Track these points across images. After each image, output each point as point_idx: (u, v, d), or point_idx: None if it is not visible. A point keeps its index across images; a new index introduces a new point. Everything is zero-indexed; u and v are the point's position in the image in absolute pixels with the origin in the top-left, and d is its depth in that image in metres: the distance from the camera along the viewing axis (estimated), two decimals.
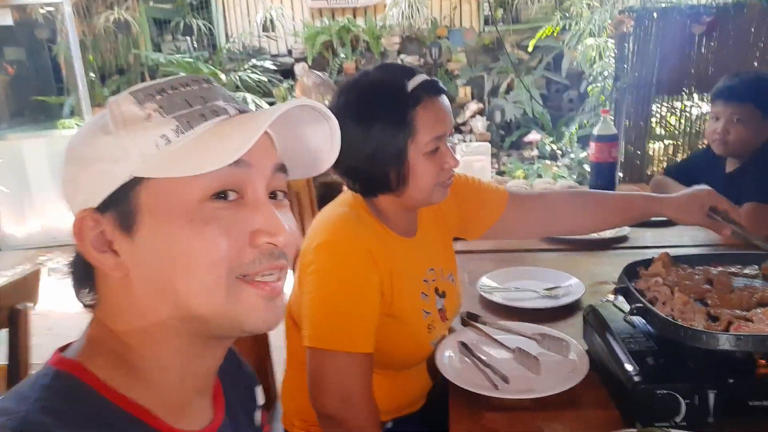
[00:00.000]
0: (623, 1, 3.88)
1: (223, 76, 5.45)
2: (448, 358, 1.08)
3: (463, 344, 1.11)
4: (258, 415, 0.72)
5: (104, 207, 0.54)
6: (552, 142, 5.47)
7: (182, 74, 0.60)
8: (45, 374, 0.53)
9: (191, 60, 5.44)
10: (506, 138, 5.84)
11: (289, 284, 0.71)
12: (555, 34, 4.80)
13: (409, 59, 6.01)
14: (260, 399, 0.74)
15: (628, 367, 0.89)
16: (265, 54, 6.23)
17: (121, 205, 0.53)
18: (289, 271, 0.62)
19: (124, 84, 5.66)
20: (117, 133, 0.53)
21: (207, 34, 6.25)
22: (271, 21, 6.11)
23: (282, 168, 0.59)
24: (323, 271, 1.01)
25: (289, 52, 6.38)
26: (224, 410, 0.64)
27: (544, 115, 5.71)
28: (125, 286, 0.55)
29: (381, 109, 1.03)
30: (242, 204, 0.55)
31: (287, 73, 6.16)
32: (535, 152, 5.39)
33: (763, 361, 0.87)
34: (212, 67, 5.49)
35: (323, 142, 0.62)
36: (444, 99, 1.06)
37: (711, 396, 0.84)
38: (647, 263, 1.11)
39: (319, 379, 0.99)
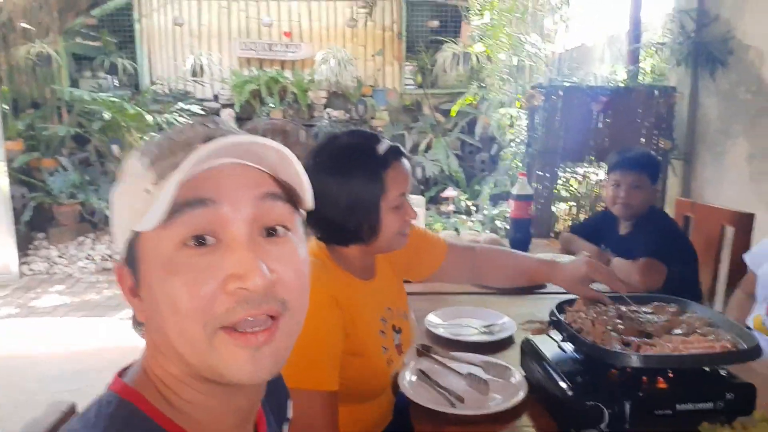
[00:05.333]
0: (532, 77, 4.38)
1: (149, 118, 5.41)
2: (409, 382, 1.23)
3: (421, 371, 1.27)
4: (286, 428, 0.75)
5: (125, 259, 0.57)
6: (467, 198, 5.88)
7: (190, 121, 0.59)
8: (108, 401, 0.55)
9: (116, 99, 5.35)
10: (425, 193, 6.19)
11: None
12: (474, 103, 5.26)
13: (336, 113, 6.28)
14: (290, 412, 0.77)
15: (563, 384, 1.09)
16: (192, 97, 6.27)
17: (131, 257, 0.56)
18: None
19: (39, 118, 5.46)
20: (121, 188, 0.56)
21: (131, 74, 6.20)
22: (201, 66, 6.19)
23: (274, 196, 0.55)
24: None
25: (216, 97, 6.46)
26: (266, 429, 0.66)
27: (459, 173, 6.14)
28: (149, 331, 0.58)
29: (357, 169, 1.15)
30: (218, 248, 0.52)
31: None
32: (452, 207, 5.75)
33: (661, 378, 1.10)
34: (137, 108, 5.44)
35: (293, 178, 0.57)
36: (406, 161, 1.21)
37: (627, 406, 1.05)
38: (571, 302, 1.34)
39: None
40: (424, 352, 1.37)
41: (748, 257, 1.88)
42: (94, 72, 6.17)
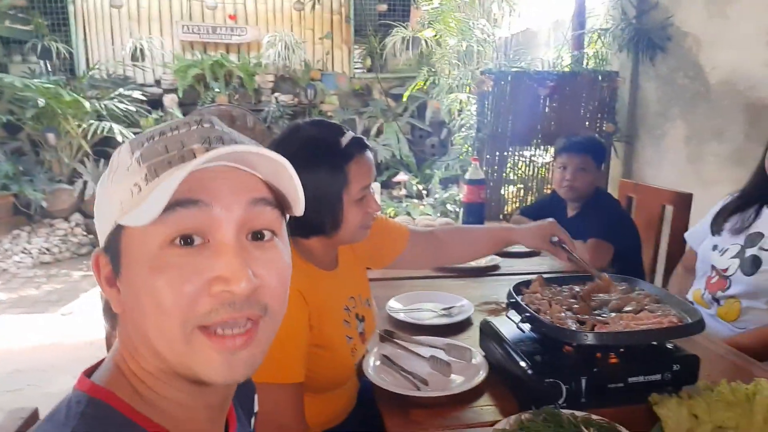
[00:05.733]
0: (481, 63, 4.43)
1: (87, 104, 5.16)
2: (374, 368, 1.24)
3: (385, 356, 1.28)
4: (253, 421, 0.76)
5: (105, 248, 0.57)
6: (418, 182, 5.93)
7: (180, 117, 0.63)
8: (78, 401, 0.54)
9: (50, 85, 5.07)
10: (377, 178, 6.19)
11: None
12: (425, 88, 5.28)
13: (284, 98, 6.18)
14: (256, 406, 0.77)
15: (523, 363, 1.12)
16: (132, 83, 6.02)
17: (112, 249, 0.55)
18: None
19: None
20: (110, 181, 0.56)
21: (66, 58, 5.90)
22: (141, 50, 5.95)
23: (265, 201, 0.56)
24: None
25: (158, 83, 6.23)
26: (236, 425, 0.67)
27: (410, 158, 6.18)
28: (125, 323, 0.57)
29: (319, 162, 1.13)
30: (205, 248, 0.53)
31: (155, 103, 6.01)
32: (404, 191, 5.79)
33: (613, 354, 1.16)
34: (74, 94, 5.18)
35: (286, 186, 0.58)
36: (369, 153, 1.20)
37: (583, 381, 1.09)
38: (527, 284, 1.38)
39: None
40: (386, 337, 1.38)
41: (688, 235, 1.98)
42: (24, 56, 5.84)
